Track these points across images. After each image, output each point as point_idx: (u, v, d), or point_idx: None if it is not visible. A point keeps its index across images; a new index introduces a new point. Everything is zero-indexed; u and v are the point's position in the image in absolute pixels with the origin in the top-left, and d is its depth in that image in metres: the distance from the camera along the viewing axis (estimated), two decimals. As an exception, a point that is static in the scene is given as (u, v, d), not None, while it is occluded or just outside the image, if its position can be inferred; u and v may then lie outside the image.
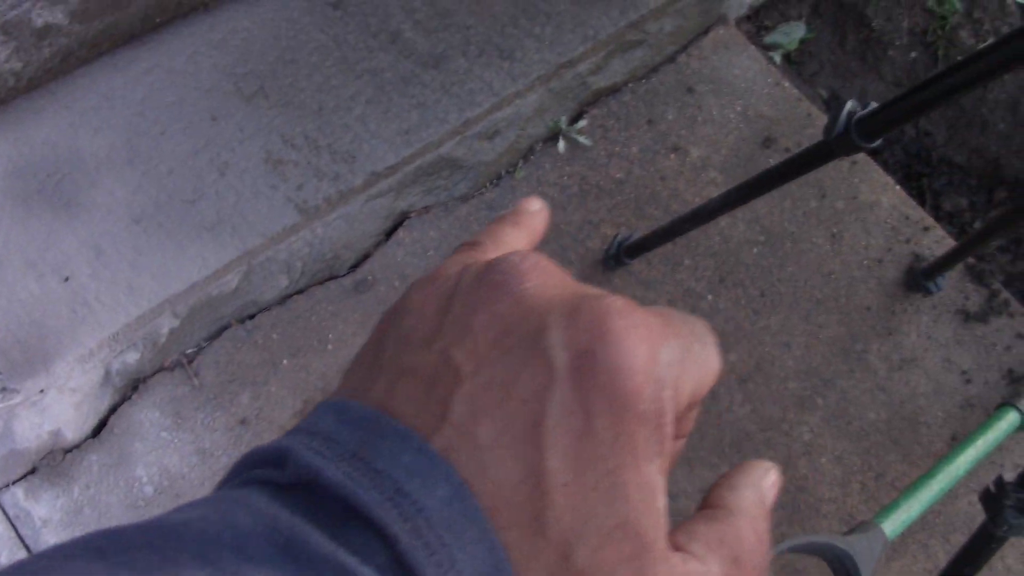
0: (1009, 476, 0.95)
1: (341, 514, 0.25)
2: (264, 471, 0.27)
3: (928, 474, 1.40)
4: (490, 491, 0.26)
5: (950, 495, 1.55)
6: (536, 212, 0.40)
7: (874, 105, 1.11)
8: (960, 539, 1.45)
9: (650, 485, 0.27)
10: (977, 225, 1.92)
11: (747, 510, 0.31)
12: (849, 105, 1.13)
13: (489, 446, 0.26)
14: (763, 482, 0.32)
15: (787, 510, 1.57)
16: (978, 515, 1.15)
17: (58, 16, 1.52)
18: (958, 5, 1.96)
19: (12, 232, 1.53)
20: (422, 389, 0.28)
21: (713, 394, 1.63)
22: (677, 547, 0.29)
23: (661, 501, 0.27)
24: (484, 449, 0.26)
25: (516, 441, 0.26)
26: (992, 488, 0.97)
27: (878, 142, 1.13)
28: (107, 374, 1.51)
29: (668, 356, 0.28)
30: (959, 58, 1.10)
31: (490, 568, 0.25)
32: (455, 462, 0.26)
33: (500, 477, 0.26)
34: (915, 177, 1.99)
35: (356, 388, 0.30)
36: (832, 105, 2.02)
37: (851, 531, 1.31)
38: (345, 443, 0.26)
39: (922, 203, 1.92)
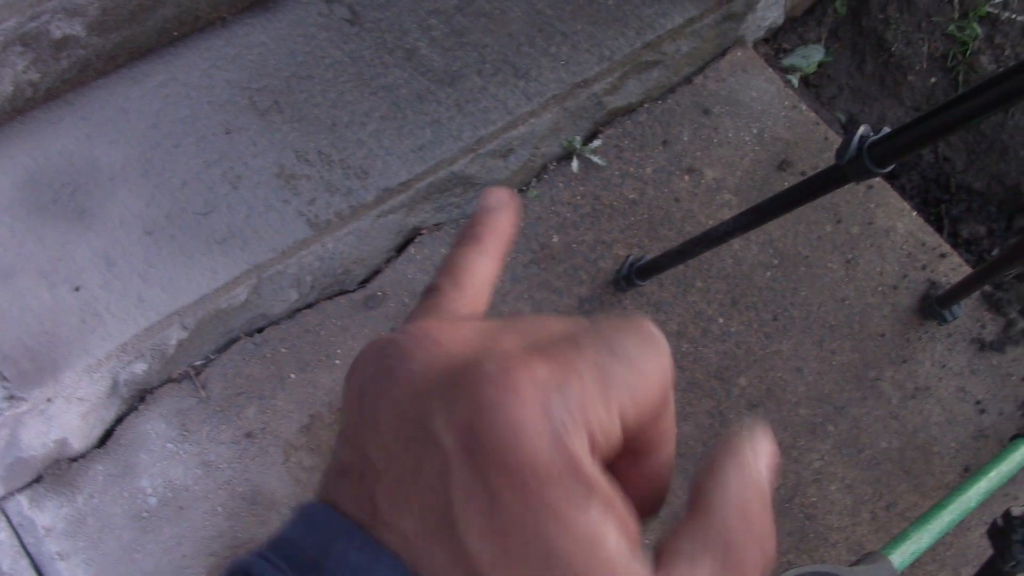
0: (1018, 510, 0.93)
1: None
2: None
3: (939, 505, 1.37)
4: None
5: (961, 527, 1.52)
6: (496, 209, 0.38)
7: (887, 130, 1.10)
8: (971, 572, 1.42)
9: (587, 535, 0.26)
10: (995, 253, 1.90)
11: (733, 501, 0.29)
12: (862, 130, 1.12)
13: (415, 538, 0.26)
14: (749, 461, 0.30)
15: (795, 538, 1.55)
16: (990, 548, 1.13)
17: (76, 28, 1.54)
18: (979, 30, 1.95)
19: (26, 241, 1.54)
20: (354, 487, 0.29)
21: (722, 418, 1.62)
22: (661, 564, 0.28)
23: (611, 543, 0.26)
24: (412, 542, 0.26)
25: (436, 531, 0.26)
26: (1000, 522, 0.95)
27: (891, 167, 1.11)
28: (115, 384, 1.52)
29: (564, 401, 0.26)
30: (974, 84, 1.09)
31: None
32: (396, 551, 0.26)
33: (434, 567, 0.26)
34: (933, 203, 1.97)
35: (322, 484, 0.31)
36: (848, 129, 2.01)
37: (858, 561, 1.29)
38: (305, 548, 0.27)
39: (939, 230, 1.90)
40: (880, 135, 1.10)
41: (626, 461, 0.31)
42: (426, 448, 0.27)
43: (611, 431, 0.27)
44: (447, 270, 0.37)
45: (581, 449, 0.26)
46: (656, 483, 0.32)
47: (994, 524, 0.95)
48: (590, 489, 0.26)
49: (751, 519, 0.29)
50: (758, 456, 0.30)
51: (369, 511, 0.27)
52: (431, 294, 0.36)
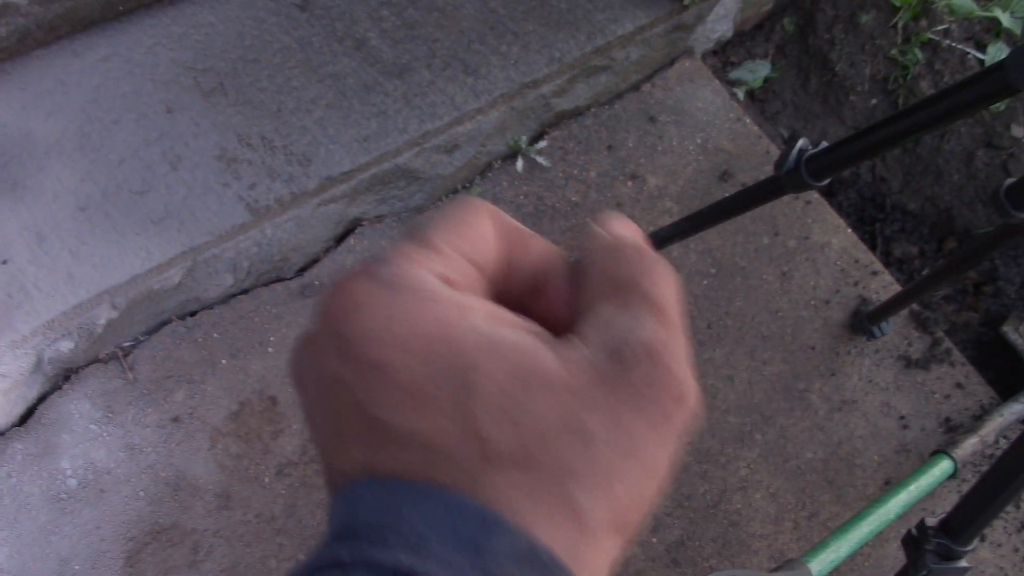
0: (931, 520, 0.95)
1: None
2: None
3: (859, 516, 1.40)
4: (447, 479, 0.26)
5: (880, 539, 1.55)
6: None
7: (825, 144, 1.12)
8: (886, 583, 1.45)
9: (457, 305, 0.27)
10: (925, 273, 1.94)
11: (604, 245, 0.31)
12: (800, 143, 1.14)
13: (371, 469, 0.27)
14: (613, 231, 0.32)
15: (718, 543, 1.57)
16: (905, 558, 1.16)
17: (17, -5, 1.50)
18: (920, 56, 1.99)
19: (-48, 211, 1.50)
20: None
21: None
22: (580, 323, 0.29)
23: (477, 310, 0.27)
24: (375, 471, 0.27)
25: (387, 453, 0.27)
26: (914, 532, 0.97)
27: (827, 181, 1.13)
28: (39, 361, 1.48)
29: (385, 260, 0.29)
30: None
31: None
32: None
33: (448, 479, 0.26)
34: (868, 221, 2.01)
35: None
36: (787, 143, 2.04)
37: (778, 568, 1.31)
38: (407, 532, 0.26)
39: (873, 248, 1.94)
40: (818, 149, 1.12)
41: (532, 298, 0.32)
42: (332, 390, 0.28)
43: (462, 267, 0.29)
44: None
45: (427, 281, 0.28)
46: (561, 306, 0.32)
47: (908, 533, 0.98)
48: (435, 293, 0.27)
49: (640, 248, 0.30)
50: (614, 225, 0.33)
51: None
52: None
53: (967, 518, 0.93)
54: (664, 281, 0.29)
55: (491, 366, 0.26)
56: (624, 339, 0.27)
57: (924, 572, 0.95)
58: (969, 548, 0.94)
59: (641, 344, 0.27)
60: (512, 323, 0.28)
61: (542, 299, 0.32)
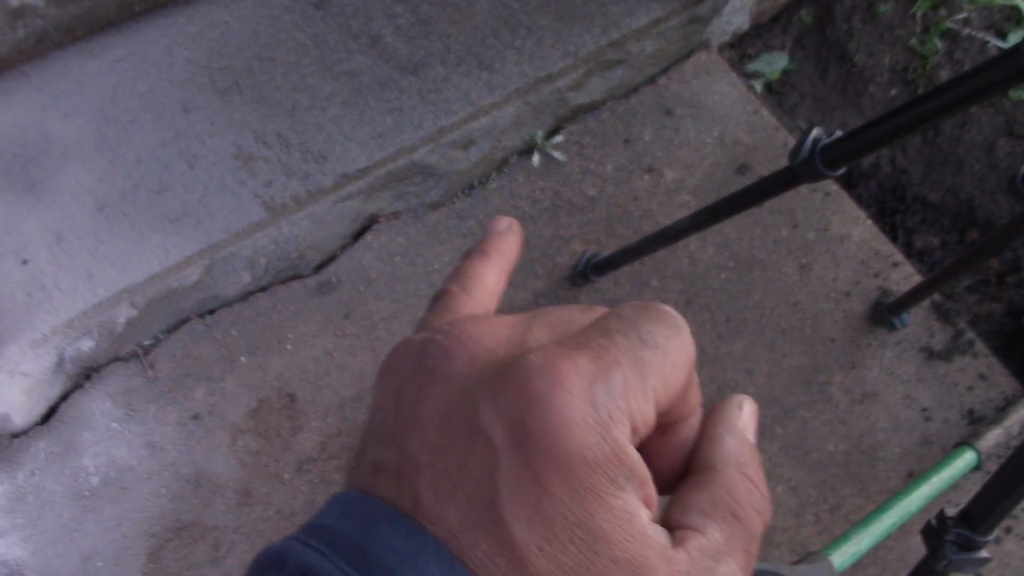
0: (951, 511, 0.94)
1: None
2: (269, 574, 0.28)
3: (880, 508, 1.39)
4: (478, 566, 0.27)
5: (904, 531, 1.54)
6: (504, 232, 0.41)
7: (839, 133, 1.11)
8: None
9: (624, 513, 0.28)
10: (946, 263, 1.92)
11: (732, 459, 0.31)
12: (815, 132, 1.13)
13: (459, 529, 0.27)
14: (739, 422, 0.33)
15: (739, 537, 1.56)
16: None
17: (34, -3, 1.51)
18: (939, 45, 1.98)
19: (-27, 212, 1.51)
20: (393, 482, 0.30)
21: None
22: (675, 524, 0.30)
23: (642, 517, 0.28)
24: (455, 533, 0.27)
25: (481, 520, 0.27)
26: (934, 523, 0.96)
27: (842, 171, 1.12)
28: (60, 361, 1.49)
29: (607, 391, 0.28)
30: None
31: None
32: (441, 540, 0.27)
33: (478, 555, 0.27)
34: (889, 213, 2.00)
35: (351, 480, 0.32)
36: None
37: (799, 561, 1.30)
38: (346, 534, 0.28)
39: (894, 239, 1.92)
40: (833, 138, 1.11)
41: (654, 434, 0.33)
42: (474, 442, 0.28)
43: (648, 416, 0.29)
44: (456, 277, 0.39)
45: (624, 437, 0.28)
46: (678, 453, 0.33)
47: (928, 524, 0.97)
48: (631, 470, 0.28)
49: (750, 475, 0.31)
50: (744, 413, 0.33)
51: (411, 504, 0.28)
52: (442, 297, 0.38)
53: (987, 508, 0.92)
54: (765, 520, 0.31)
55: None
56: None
57: (944, 563, 0.94)
58: (989, 538, 0.93)
59: None
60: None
61: (661, 440, 0.33)
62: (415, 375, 0.31)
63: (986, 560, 0.95)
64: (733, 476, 0.31)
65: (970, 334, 1.74)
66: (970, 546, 0.93)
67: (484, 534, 0.27)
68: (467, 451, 0.28)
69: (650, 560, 0.28)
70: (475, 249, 0.40)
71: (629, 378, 0.29)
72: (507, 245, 0.41)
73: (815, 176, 1.13)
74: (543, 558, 0.27)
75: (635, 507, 0.28)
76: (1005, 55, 0.87)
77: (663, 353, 0.30)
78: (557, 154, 1.77)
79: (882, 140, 1.05)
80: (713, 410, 0.33)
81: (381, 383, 0.33)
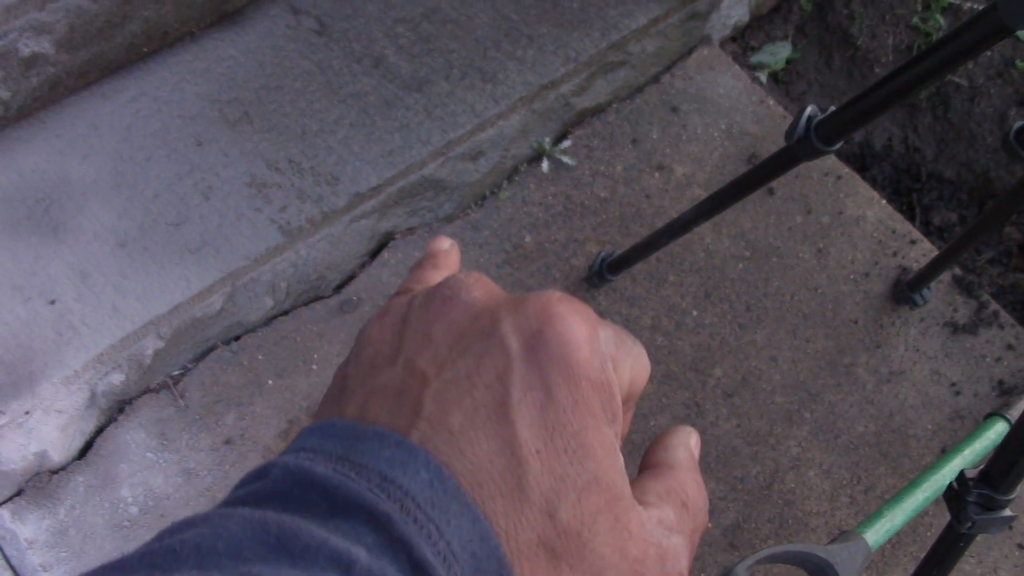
0: (971, 472, 0.94)
1: (326, 507, 0.27)
2: (249, 487, 0.29)
3: (913, 483, 1.38)
4: (469, 470, 0.29)
5: (940, 506, 1.52)
6: (448, 250, 0.45)
7: (832, 108, 1.12)
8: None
9: (611, 444, 0.31)
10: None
11: (683, 464, 0.36)
12: (809, 110, 1.14)
13: (462, 431, 0.29)
14: (690, 441, 0.37)
15: (774, 524, 1.56)
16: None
17: (44, 46, 1.56)
18: (942, 22, 1.97)
19: (1, 257, 1.56)
20: (392, 399, 0.31)
21: (698, 409, 1.62)
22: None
23: (620, 460, 0.31)
24: (458, 434, 0.29)
25: (487, 422, 0.29)
26: (955, 485, 0.96)
27: (838, 145, 1.13)
28: (93, 396, 1.53)
29: (605, 337, 0.32)
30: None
31: (476, 536, 0.28)
32: (432, 450, 0.29)
33: (477, 456, 0.29)
34: (905, 192, 1.99)
35: (330, 415, 0.33)
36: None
37: (832, 541, 1.30)
38: (330, 451, 0.29)
39: (912, 218, 1.92)
40: (826, 113, 1.12)
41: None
42: (488, 352, 0.31)
43: (622, 384, 0.33)
44: (413, 278, 0.42)
45: (613, 377, 0.32)
46: None
47: (949, 487, 0.96)
48: (614, 413, 0.31)
49: (697, 481, 0.36)
50: (693, 440, 0.38)
51: (409, 417, 0.30)
52: (404, 294, 0.41)
53: (1006, 466, 0.91)
54: (705, 519, 0.36)
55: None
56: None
57: (969, 524, 0.94)
58: (1011, 496, 0.93)
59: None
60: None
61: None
62: (427, 304, 0.34)
63: (1011, 518, 0.94)
64: (686, 475, 0.35)
65: (994, 306, 1.72)
66: (993, 505, 0.92)
67: (487, 434, 0.29)
68: (479, 359, 0.30)
69: (624, 493, 0.31)
70: (425, 261, 0.44)
71: (618, 342, 0.33)
72: (453, 262, 0.44)
73: (813, 153, 1.14)
74: (538, 461, 0.29)
75: (616, 446, 0.31)
76: (983, 13, 0.88)
77: (638, 351, 0.34)
78: (566, 159, 1.79)
79: (874, 110, 1.06)
80: (668, 430, 0.37)
81: (376, 322, 0.35)
